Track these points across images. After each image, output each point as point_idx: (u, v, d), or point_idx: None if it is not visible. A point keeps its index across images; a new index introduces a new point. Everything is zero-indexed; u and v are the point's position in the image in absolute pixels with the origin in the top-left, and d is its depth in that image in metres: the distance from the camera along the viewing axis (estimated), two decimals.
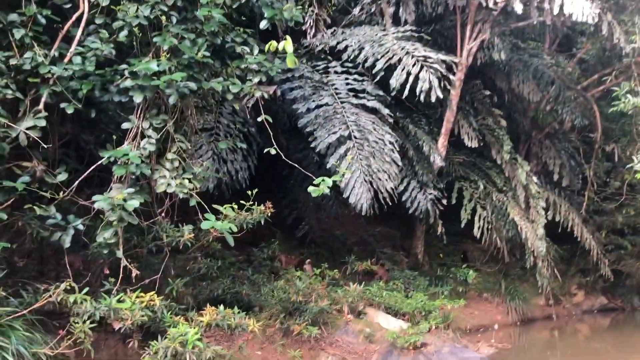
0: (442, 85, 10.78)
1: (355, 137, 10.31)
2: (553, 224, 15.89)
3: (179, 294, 7.51)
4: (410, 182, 13.70)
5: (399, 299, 10.53)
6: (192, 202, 6.90)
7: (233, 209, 7.35)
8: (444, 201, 14.45)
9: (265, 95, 7.89)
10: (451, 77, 13.98)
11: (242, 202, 7.71)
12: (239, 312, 7.41)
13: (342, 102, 10.70)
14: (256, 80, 7.72)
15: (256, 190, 7.83)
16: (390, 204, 10.82)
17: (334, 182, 6.86)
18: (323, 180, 6.88)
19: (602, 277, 16.79)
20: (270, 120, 7.98)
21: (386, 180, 10.26)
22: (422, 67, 10.97)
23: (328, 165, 10.02)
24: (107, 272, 7.29)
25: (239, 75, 7.85)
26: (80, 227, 6.76)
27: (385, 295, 10.40)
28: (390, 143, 10.56)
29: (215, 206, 6.87)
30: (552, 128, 16.76)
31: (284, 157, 7.99)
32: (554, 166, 16.68)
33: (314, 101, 10.43)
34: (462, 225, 14.68)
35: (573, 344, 14.87)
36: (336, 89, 10.95)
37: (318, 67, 11.49)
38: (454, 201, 14.91)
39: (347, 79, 11.21)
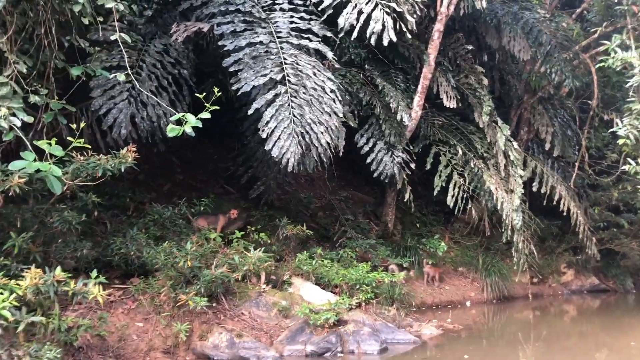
0: (397, 27, 8.75)
1: (289, 82, 8.42)
2: (545, 197, 13.81)
3: (23, 251, 5.82)
4: (376, 143, 11.83)
5: (333, 270, 8.70)
6: (8, 137, 5.15)
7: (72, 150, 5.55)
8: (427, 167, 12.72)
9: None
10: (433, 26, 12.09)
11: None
12: (97, 277, 5.70)
13: (280, 42, 8.77)
14: None
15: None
16: (326, 161, 8.94)
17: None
18: (184, 116, 5.06)
19: (594, 257, 14.58)
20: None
21: (322, 133, 8.35)
22: (376, 5, 8.95)
23: (250, 112, 8.16)
24: None
25: None
26: None
27: (316, 264, 8.57)
28: (332, 91, 8.64)
29: (38, 142, 5.10)
30: (547, 92, 14.49)
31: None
32: (546, 134, 14.50)
33: (245, 38, 8.53)
34: (435, 192, 12.73)
35: (555, 325, 12.84)
36: (277, 27, 9.03)
37: (263, 2, 9.53)
38: (429, 166, 12.96)
39: (292, 17, 9.25)
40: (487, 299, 13.50)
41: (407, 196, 12.35)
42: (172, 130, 5.14)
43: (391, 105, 11.43)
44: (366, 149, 11.76)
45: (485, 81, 12.67)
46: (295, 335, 7.18)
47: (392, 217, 13.58)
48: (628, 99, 9.25)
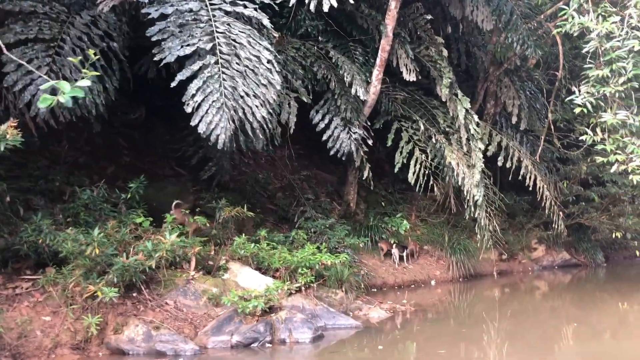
0: None
1: (221, 52, 7.58)
2: (512, 172, 13.09)
3: None
4: (332, 119, 11.04)
5: (276, 254, 7.95)
6: None
7: None
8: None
9: None
10: None
11: None
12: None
13: (212, 9, 7.91)
14: None
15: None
16: (263, 138, 8.15)
17: None
18: (58, 83, 4.21)
19: (562, 232, 13.90)
20: None
21: (257, 107, 7.54)
22: None
23: (173, 84, 7.32)
24: None
25: None
26: None
27: (255, 248, 7.81)
28: (269, 62, 7.80)
29: None
30: (513, 64, 13.69)
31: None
32: (512, 107, 13.75)
33: (172, 5, 7.67)
34: (396, 170, 11.99)
35: (525, 301, 12.24)
36: None
37: None
38: (390, 143, 12.21)
39: None
40: (453, 278, 12.86)
41: (366, 174, 11.60)
42: (44, 101, 4.28)
43: (346, 79, 10.62)
44: (322, 125, 10.98)
45: (445, 52, 11.86)
46: (222, 325, 6.46)
47: (355, 196, 12.84)
48: (585, 66, 8.49)
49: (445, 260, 13.04)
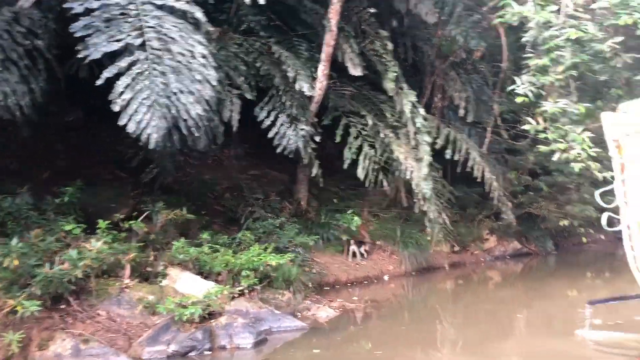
0: None
1: (151, 47, 7.19)
2: (460, 164, 13.07)
3: None
4: (278, 116, 10.72)
5: (218, 257, 7.61)
6: None
7: None
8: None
9: None
10: None
11: None
12: None
13: (142, 3, 7.50)
14: None
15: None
16: (204, 137, 7.82)
17: None
18: None
19: (511, 222, 13.98)
20: None
21: (192, 104, 7.18)
22: None
23: (98, 82, 6.90)
24: None
25: None
26: None
27: (195, 252, 7.45)
28: (204, 57, 7.44)
29: None
30: (459, 57, 13.67)
31: None
32: (459, 100, 13.72)
33: None
34: (345, 166, 11.78)
35: (477, 292, 12.25)
36: None
37: None
38: (339, 139, 11.99)
39: None
40: (406, 272, 12.72)
41: (315, 171, 11.35)
42: None
43: (289, 74, 10.34)
44: (267, 122, 10.66)
45: (391, 46, 11.71)
46: (158, 334, 6.09)
47: (306, 194, 12.60)
48: (525, 55, 8.45)
49: (397, 255, 12.90)
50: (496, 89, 13.55)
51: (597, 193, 1.99)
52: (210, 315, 6.46)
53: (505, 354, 6.80)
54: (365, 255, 12.17)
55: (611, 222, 1.86)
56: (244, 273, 7.41)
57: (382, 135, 11.80)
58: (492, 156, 14.42)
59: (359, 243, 12.14)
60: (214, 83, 7.49)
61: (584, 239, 15.90)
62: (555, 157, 8.41)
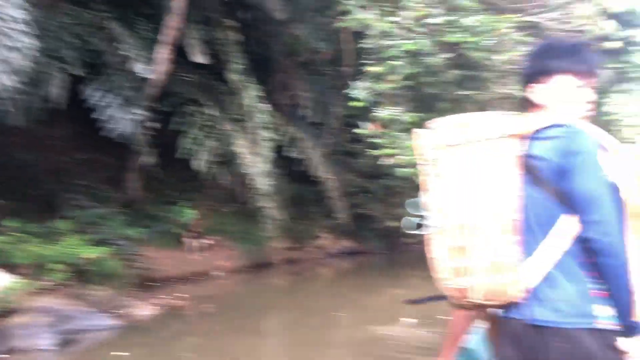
0: None
1: None
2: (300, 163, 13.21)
3: None
4: (109, 97, 9.96)
5: (20, 248, 6.80)
6: None
7: None
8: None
9: None
10: None
11: None
12: None
13: None
14: None
15: None
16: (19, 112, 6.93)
17: None
18: None
19: (345, 221, 14.47)
20: None
21: (3, 73, 6.31)
22: None
23: None
24: None
25: None
26: None
27: None
28: (16, 21, 6.57)
29: None
30: (307, 57, 13.80)
31: None
32: (304, 100, 13.87)
33: None
34: (184, 156, 11.31)
35: (309, 290, 12.39)
36: None
37: None
38: (179, 127, 11.46)
39: None
40: (241, 268, 12.57)
41: (149, 159, 10.74)
42: None
43: (124, 53, 9.63)
44: (97, 103, 9.84)
45: (238, 38, 11.47)
46: None
47: (139, 184, 11.86)
48: (364, 62, 8.73)
49: (233, 250, 12.71)
50: (339, 93, 13.91)
51: (406, 202, 2.03)
52: (8, 313, 5.70)
53: (332, 343, 6.92)
54: (201, 250, 11.81)
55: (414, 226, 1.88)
56: (53, 266, 6.68)
57: (224, 127, 11.52)
58: (332, 157, 14.81)
59: (195, 237, 11.73)
60: (33, 53, 6.66)
61: (411, 240, 16.95)
62: (385, 162, 8.78)
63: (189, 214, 11.26)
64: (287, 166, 14.46)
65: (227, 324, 8.22)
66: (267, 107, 11.26)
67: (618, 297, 1.68)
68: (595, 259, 1.68)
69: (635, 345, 1.70)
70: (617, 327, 1.70)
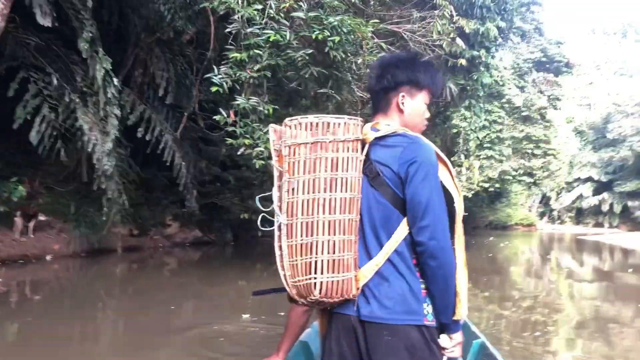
0: None
1: None
2: (151, 145, 12.49)
3: None
4: None
5: None
6: None
7: None
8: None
9: None
10: None
11: None
12: None
13: None
14: None
15: None
16: None
17: None
18: None
19: (194, 210, 14.03)
20: None
21: None
22: None
23: None
24: None
25: None
26: None
27: None
28: None
29: None
30: (167, 35, 13.08)
31: None
32: (161, 79, 13.18)
33: None
34: (16, 125, 10.15)
35: (151, 278, 11.74)
36: None
37: None
38: (13, 93, 10.26)
39: None
40: (74, 253, 11.63)
41: None
42: None
43: None
44: None
45: (90, 3, 10.52)
46: None
47: None
48: (227, 47, 8.42)
49: (67, 234, 11.71)
50: (200, 77, 13.42)
51: (258, 197, 2.12)
52: None
53: (159, 341, 6.54)
54: (33, 231, 10.71)
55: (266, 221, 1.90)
56: None
57: (67, 99, 10.53)
58: (187, 142, 14.27)
59: (28, 217, 10.59)
60: None
61: (259, 233, 16.96)
62: (240, 152, 8.59)
63: (22, 192, 10.13)
64: (138, 148, 13.68)
65: (54, 311, 7.47)
66: (118, 82, 10.46)
67: (442, 297, 1.82)
68: (424, 260, 1.80)
69: (453, 342, 1.86)
70: (440, 324, 1.84)
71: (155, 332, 6.20)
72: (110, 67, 10.13)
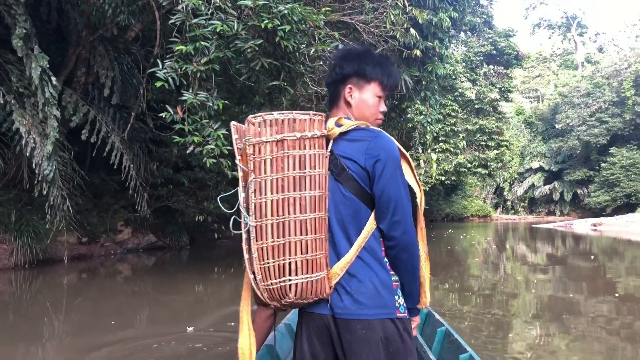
0: None
1: None
2: (96, 148, 11.80)
3: None
4: None
5: None
6: None
7: None
8: None
9: None
10: None
11: None
12: None
13: None
14: None
15: None
16: None
17: None
18: None
19: (146, 214, 13.39)
20: None
21: None
22: None
23: None
24: None
25: None
26: None
27: None
28: None
29: None
30: (110, 32, 12.42)
31: None
32: (105, 79, 12.48)
33: None
34: None
35: (103, 287, 11.08)
36: None
37: None
38: None
39: None
40: (17, 265, 10.88)
41: None
42: None
43: None
44: None
45: None
46: None
47: None
48: (171, 39, 7.94)
49: (8, 245, 10.95)
50: (146, 74, 12.81)
51: (219, 197, 1.98)
52: None
53: (118, 351, 6.04)
54: None
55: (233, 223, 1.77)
56: None
57: (1, 100, 9.81)
58: (136, 144, 13.62)
59: None
60: None
61: (217, 235, 16.44)
62: (189, 150, 8.13)
63: None
64: (84, 152, 12.99)
65: None
66: (57, 82, 9.80)
67: (410, 286, 1.92)
68: (395, 254, 1.85)
69: (414, 324, 1.99)
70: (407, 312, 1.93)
71: (76, 350, 5.69)
72: (48, 66, 9.47)
